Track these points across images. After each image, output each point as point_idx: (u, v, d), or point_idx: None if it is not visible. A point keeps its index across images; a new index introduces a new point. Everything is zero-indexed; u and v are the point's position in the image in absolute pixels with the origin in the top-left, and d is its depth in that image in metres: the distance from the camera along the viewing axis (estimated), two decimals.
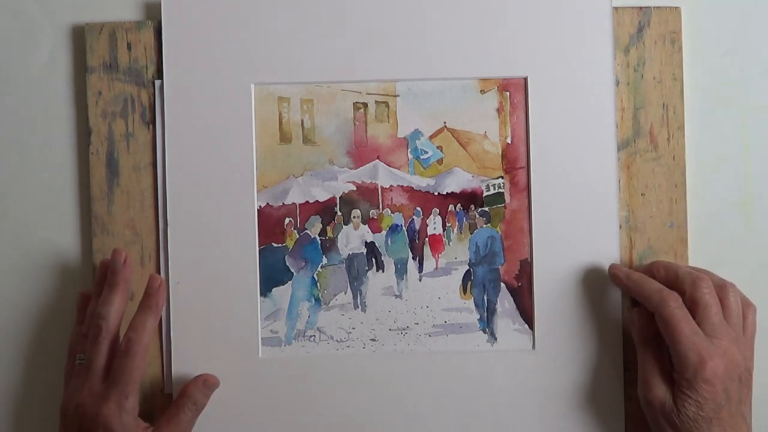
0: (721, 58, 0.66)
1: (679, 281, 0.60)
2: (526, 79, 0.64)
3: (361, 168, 0.65)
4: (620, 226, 0.64)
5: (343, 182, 0.65)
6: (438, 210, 0.65)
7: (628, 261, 0.64)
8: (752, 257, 0.66)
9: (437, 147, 0.65)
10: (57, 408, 0.60)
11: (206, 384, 0.62)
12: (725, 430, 0.57)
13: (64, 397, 0.60)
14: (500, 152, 0.65)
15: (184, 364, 0.63)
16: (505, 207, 0.65)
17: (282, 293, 0.65)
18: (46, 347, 0.65)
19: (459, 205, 0.65)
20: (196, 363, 0.63)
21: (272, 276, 0.65)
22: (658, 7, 0.65)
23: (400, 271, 0.65)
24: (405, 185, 0.65)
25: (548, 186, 0.64)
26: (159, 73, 0.65)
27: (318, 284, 0.65)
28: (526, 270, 0.65)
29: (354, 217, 0.65)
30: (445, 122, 0.65)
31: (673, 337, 0.57)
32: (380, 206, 0.65)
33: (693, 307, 0.58)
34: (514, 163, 0.65)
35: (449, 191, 0.65)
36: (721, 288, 0.60)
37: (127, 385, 0.58)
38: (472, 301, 0.65)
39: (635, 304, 0.64)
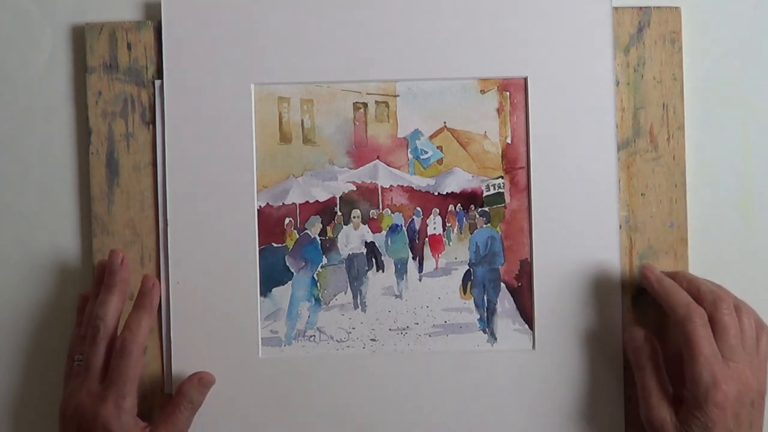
0: (721, 58, 0.66)
1: (700, 298, 0.59)
2: (526, 79, 0.64)
3: (361, 168, 0.65)
4: (620, 226, 0.64)
5: (343, 182, 0.65)
6: (438, 210, 0.65)
7: (628, 261, 0.64)
8: (752, 257, 0.66)
9: (437, 147, 0.65)
10: (57, 408, 0.60)
11: (201, 382, 0.62)
12: None
13: (64, 398, 0.60)
14: (500, 152, 0.65)
15: (184, 364, 0.63)
16: (505, 207, 0.65)
17: (282, 293, 0.65)
18: (46, 347, 0.65)
19: (459, 205, 0.65)
20: (196, 363, 0.63)
21: (272, 276, 0.65)
22: (658, 7, 0.65)
23: (400, 271, 0.65)
24: (405, 185, 0.65)
25: (548, 186, 0.64)
26: (159, 73, 0.65)
27: (318, 284, 0.65)
28: (526, 270, 0.65)
29: (354, 217, 0.65)
30: (445, 122, 0.65)
31: (691, 354, 0.57)
32: (380, 206, 0.65)
33: (712, 326, 0.58)
34: (514, 163, 0.65)
35: (449, 191, 0.65)
36: (737, 309, 0.59)
37: (124, 384, 0.58)
38: (472, 301, 0.65)
39: (635, 305, 0.64)
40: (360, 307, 0.65)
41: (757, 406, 0.58)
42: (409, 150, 0.65)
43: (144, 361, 0.61)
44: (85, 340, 0.60)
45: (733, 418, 0.56)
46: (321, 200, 0.65)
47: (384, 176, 0.65)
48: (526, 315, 0.65)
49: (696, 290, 0.60)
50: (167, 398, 0.63)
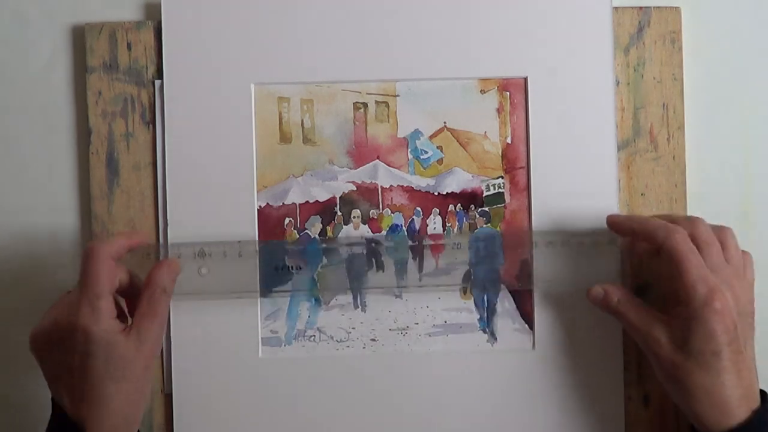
0: (721, 58, 0.66)
1: (677, 224, 0.59)
2: (526, 79, 0.64)
3: (361, 168, 0.65)
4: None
5: (343, 182, 0.65)
6: (438, 210, 0.65)
7: (628, 261, 0.64)
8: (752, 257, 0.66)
9: (437, 147, 0.65)
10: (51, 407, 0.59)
11: (171, 268, 0.60)
12: (733, 365, 0.55)
13: (34, 330, 0.58)
14: (500, 152, 0.65)
15: (184, 364, 0.63)
16: (505, 207, 0.65)
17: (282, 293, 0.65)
18: None
19: (459, 205, 0.65)
20: (196, 363, 0.64)
21: (272, 276, 0.64)
22: (658, 7, 0.65)
23: (400, 271, 0.65)
24: (405, 185, 0.65)
25: (548, 186, 0.64)
26: (159, 73, 0.65)
27: (318, 284, 0.65)
28: (526, 270, 0.65)
29: (354, 217, 0.65)
30: (445, 122, 0.65)
31: (681, 268, 0.56)
32: (380, 206, 0.65)
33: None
34: (514, 163, 0.65)
35: (449, 191, 0.65)
36: (720, 230, 0.59)
37: (95, 285, 0.56)
38: (472, 301, 0.65)
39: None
40: (360, 307, 0.65)
41: (749, 324, 0.57)
42: (409, 150, 0.65)
43: (118, 269, 0.58)
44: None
45: (731, 325, 0.55)
46: (321, 200, 0.65)
47: (384, 176, 0.65)
48: (526, 315, 0.65)
49: (670, 221, 0.59)
50: (167, 398, 0.63)
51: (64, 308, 0.57)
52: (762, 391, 0.57)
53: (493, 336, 0.65)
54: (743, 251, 0.60)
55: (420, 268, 0.65)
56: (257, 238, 0.64)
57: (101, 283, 0.56)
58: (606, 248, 0.63)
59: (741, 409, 0.55)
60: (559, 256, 0.64)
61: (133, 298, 0.59)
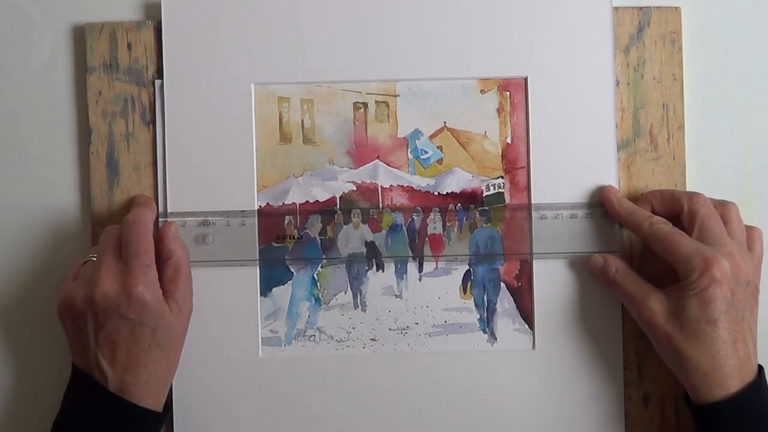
0: (721, 58, 0.66)
1: (676, 200, 0.60)
2: (526, 79, 0.64)
3: (361, 168, 0.65)
4: (620, 226, 0.64)
5: (343, 182, 0.65)
6: (438, 210, 0.65)
7: (628, 259, 0.64)
8: None
9: (437, 147, 0.65)
10: (54, 399, 0.59)
11: (173, 230, 0.61)
12: (729, 334, 0.55)
13: (63, 294, 0.58)
14: (500, 152, 0.65)
15: (184, 364, 0.63)
16: (505, 207, 0.65)
17: (282, 293, 0.65)
18: (45, 353, 0.65)
19: (459, 204, 0.65)
20: (196, 363, 0.63)
21: (272, 276, 0.65)
22: (658, 7, 0.65)
23: (400, 270, 0.65)
24: (405, 185, 0.65)
25: (548, 186, 0.64)
26: (159, 73, 0.65)
27: (318, 284, 0.65)
28: (526, 270, 0.65)
29: (354, 217, 0.65)
30: (445, 122, 0.65)
31: (672, 249, 0.57)
32: (380, 206, 0.65)
33: (692, 219, 0.58)
34: (514, 163, 0.65)
35: (449, 191, 0.65)
36: (723, 205, 0.60)
37: (146, 256, 0.57)
38: (472, 301, 0.65)
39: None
40: (360, 306, 0.65)
41: (752, 293, 0.57)
42: (409, 150, 0.65)
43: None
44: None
45: (729, 294, 0.55)
46: (321, 200, 0.65)
47: (384, 176, 0.65)
48: (526, 315, 0.65)
49: (670, 197, 0.61)
50: (168, 398, 0.63)
51: (99, 280, 0.57)
52: (759, 366, 0.57)
53: (493, 336, 0.65)
54: (751, 226, 0.60)
55: (420, 268, 0.65)
56: (257, 238, 0.64)
57: (151, 253, 0.58)
58: (606, 249, 0.64)
59: (734, 380, 0.55)
60: (559, 256, 0.64)
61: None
